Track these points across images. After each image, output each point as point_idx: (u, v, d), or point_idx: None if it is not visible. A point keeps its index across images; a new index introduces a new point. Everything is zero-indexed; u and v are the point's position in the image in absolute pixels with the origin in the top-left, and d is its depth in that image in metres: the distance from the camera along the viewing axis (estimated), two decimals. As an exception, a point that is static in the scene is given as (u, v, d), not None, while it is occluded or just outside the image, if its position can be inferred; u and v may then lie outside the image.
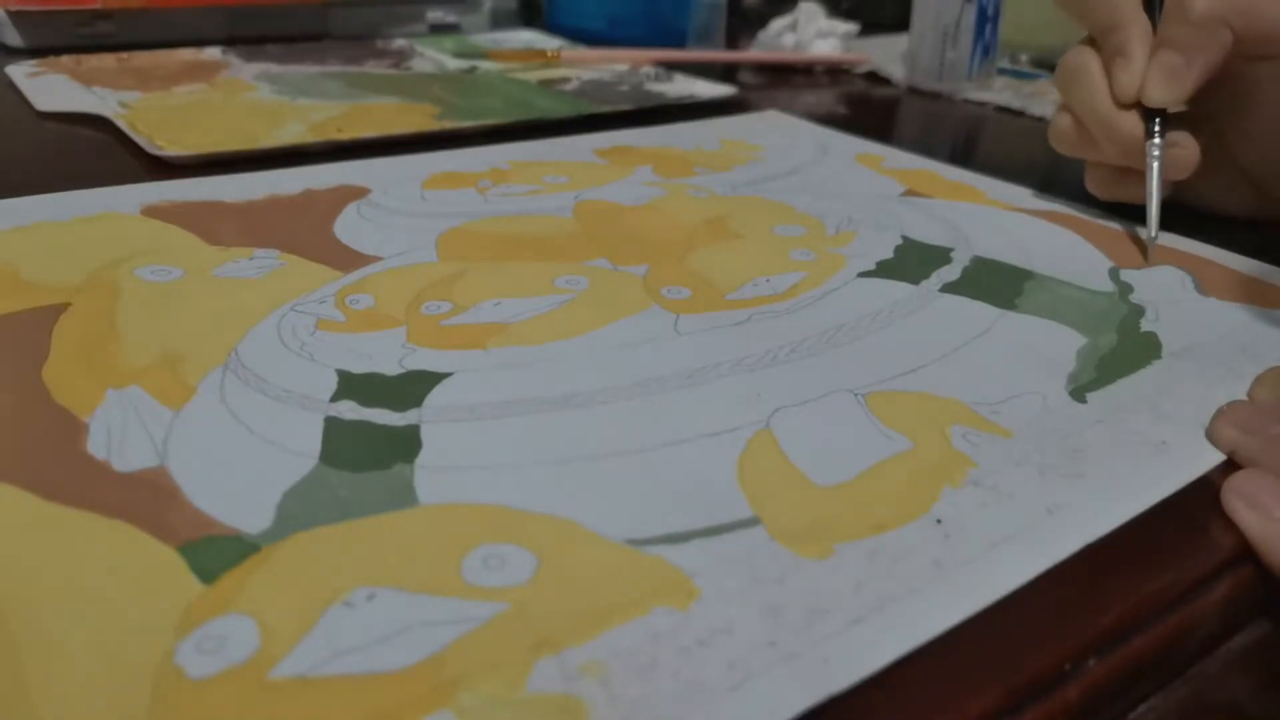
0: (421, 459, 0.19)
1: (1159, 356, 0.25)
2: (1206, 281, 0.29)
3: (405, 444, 0.19)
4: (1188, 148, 0.31)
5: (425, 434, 0.20)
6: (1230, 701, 0.18)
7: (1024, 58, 0.61)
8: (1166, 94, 0.30)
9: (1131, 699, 0.17)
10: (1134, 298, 0.28)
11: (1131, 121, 0.31)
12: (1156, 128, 0.31)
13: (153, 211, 0.31)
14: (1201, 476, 0.20)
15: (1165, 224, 0.33)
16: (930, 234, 0.32)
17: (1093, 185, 0.35)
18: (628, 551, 0.17)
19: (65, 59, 0.49)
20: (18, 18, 0.53)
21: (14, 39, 0.53)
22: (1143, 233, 0.32)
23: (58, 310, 0.24)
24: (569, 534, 0.17)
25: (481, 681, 0.14)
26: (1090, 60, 0.32)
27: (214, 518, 0.17)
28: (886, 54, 0.62)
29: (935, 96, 0.56)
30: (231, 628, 0.14)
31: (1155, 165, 0.31)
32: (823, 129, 0.46)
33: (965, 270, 0.29)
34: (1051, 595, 0.16)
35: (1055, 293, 0.28)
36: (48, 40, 0.53)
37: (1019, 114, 0.52)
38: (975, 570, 0.17)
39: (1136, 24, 0.31)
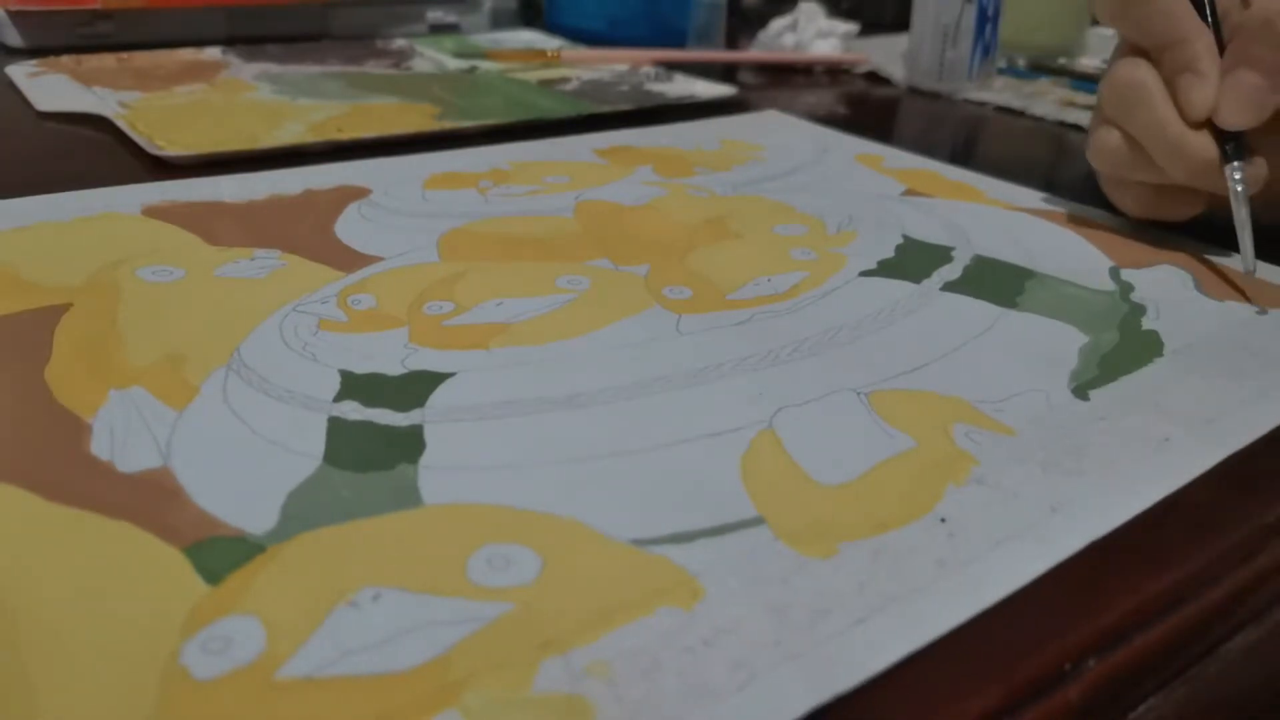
0: (425, 459, 0.19)
1: (1160, 354, 0.25)
2: (1206, 280, 0.30)
3: (409, 444, 0.19)
4: (1256, 165, 0.29)
5: (429, 434, 0.20)
6: (1230, 701, 0.18)
7: (1021, 61, 0.61)
8: (1246, 117, 0.28)
9: (1131, 699, 0.17)
10: (1135, 296, 0.28)
11: (1204, 143, 0.29)
12: (1231, 149, 0.29)
13: (154, 212, 0.31)
14: (1204, 474, 0.20)
15: (1165, 225, 0.33)
16: (931, 233, 0.32)
17: (1132, 205, 0.32)
18: (632, 551, 0.17)
19: (65, 59, 0.49)
20: (18, 18, 0.53)
21: (14, 39, 0.53)
22: (1235, 262, 0.30)
23: (59, 311, 0.24)
24: (573, 534, 0.17)
25: (487, 682, 0.14)
26: (1147, 75, 0.30)
27: (218, 518, 0.17)
28: (886, 54, 0.62)
29: (935, 96, 0.56)
30: (237, 628, 0.14)
31: (1241, 190, 0.29)
32: (823, 129, 0.46)
33: (966, 269, 0.29)
34: (1052, 595, 0.16)
35: (1057, 291, 0.28)
36: (48, 40, 0.53)
37: (1019, 114, 0.52)
38: (979, 569, 0.17)
39: (1203, 39, 0.29)
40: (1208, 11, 0.30)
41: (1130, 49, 0.31)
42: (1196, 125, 0.29)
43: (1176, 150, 0.29)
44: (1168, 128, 0.29)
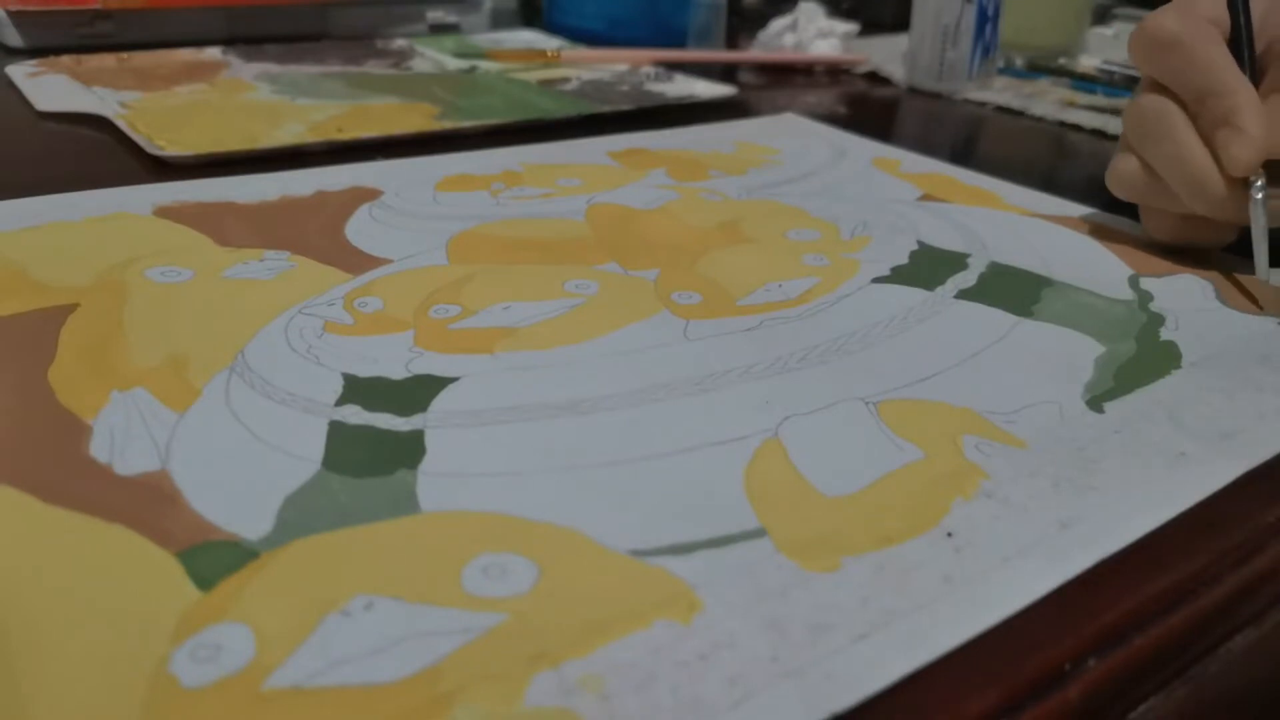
0: (425, 465, 0.19)
1: (1178, 366, 0.24)
2: (1227, 291, 0.29)
3: (409, 449, 0.19)
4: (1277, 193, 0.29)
5: (430, 439, 0.19)
6: (1230, 701, 0.18)
7: (1021, 61, 0.61)
8: None
9: (1131, 699, 0.16)
10: (1154, 306, 0.28)
11: (1223, 177, 0.29)
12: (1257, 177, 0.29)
13: (165, 212, 0.30)
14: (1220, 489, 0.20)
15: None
16: (947, 239, 0.32)
17: (1158, 231, 0.32)
18: (630, 562, 0.16)
19: (65, 59, 0.49)
20: (18, 18, 0.52)
21: (14, 39, 0.53)
22: (1252, 281, 0.29)
23: (66, 311, 0.24)
24: (571, 543, 0.17)
25: (478, 695, 0.13)
26: (1172, 111, 0.30)
27: (213, 523, 0.17)
28: (886, 54, 0.62)
29: (935, 96, 0.56)
30: (227, 636, 0.14)
31: (1261, 210, 0.28)
32: (840, 132, 0.45)
33: (982, 277, 0.29)
34: (1051, 595, 0.16)
35: (1073, 300, 0.28)
36: (48, 40, 0.53)
37: (1019, 114, 0.52)
38: (985, 586, 0.16)
39: (1243, 92, 0.28)
40: (1245, 60, 0.29)
41: (1154, 82, 0.31)
42: (1237, 177, 0.29)
43: (1196, 183, 0.29)
44: (1188, 161, 0.29)
